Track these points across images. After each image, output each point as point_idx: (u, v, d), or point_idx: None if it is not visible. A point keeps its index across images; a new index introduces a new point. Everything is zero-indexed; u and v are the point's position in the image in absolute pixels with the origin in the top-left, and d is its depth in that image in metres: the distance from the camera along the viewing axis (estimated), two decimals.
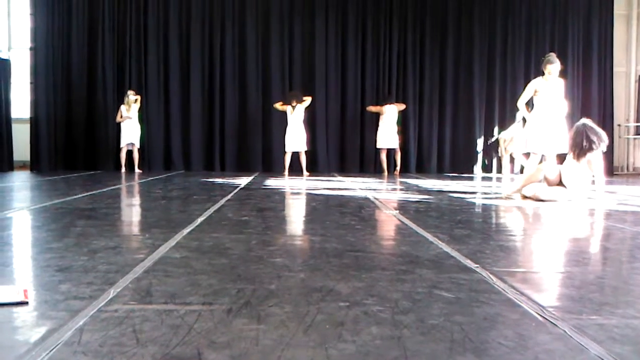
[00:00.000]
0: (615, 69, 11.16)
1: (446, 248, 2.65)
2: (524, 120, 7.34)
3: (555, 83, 6.42)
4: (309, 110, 9.75)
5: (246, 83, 10.46)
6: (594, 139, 5.13)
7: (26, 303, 1.65)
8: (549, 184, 5.23)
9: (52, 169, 9.71)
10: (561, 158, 6.78)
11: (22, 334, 1.42)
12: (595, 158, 5.16)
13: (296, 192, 6.21)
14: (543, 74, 6.48)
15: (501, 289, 1.89)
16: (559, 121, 6.41)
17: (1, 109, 9.30)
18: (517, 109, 6.95)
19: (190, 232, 3.07)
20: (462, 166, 10.74)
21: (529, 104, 6.76)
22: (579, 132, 5.23)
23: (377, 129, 9.98)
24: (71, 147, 10.23)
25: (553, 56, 6.52)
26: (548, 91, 6.40)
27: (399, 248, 2.76)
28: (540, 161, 6.44)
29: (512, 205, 4.81)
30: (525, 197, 5.20)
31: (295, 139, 9.29)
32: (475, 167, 10.81)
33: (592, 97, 11.00)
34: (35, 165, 9.65)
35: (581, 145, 5.14)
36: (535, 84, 6.56)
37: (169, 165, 10.35)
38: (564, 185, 5.18)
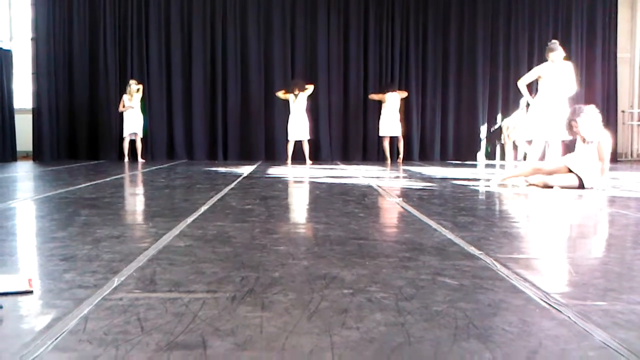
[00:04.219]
0: (619, 55, 11.09)
1: (450, 235, 2.65)
2: (527, 105, 7.34)
3: (560, 69, 6.43)
4: (312, 98, 9.72)
5: (248, 71, 10.42)
6: (588, 115, 5.09)
7: (31, 292, 1.66)
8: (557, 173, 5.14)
9: (55, 159, 9.73)
10: (566, 144, 6.77)
11: (27, 322, 1.43)
12: (605, 139, 5.08)
13: (299, 180, 6.20)
14: (547, 60, 6.51)
15: (505, 276, 1.89)
16: (562, 108, 6.40)
17: (3, 100, 9.31)
18: (518, 90, 6.96)
19: (194, 220, 3.07)
20: (465, 154, 10.72)
21: (532, 88, 6.77)
22: (573, 115, 5.19)
23: (379, 117, 9.95)
24: (74, 137, 10.24)
25: (555, 44, 6.56)
26: (552, 77, 6.40)
27: (403, 235, 2.76)
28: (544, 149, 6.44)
29: (515, 193, 4.80)
30: (529, 185, 5.17)
31: (298, 127, 9.26)
32: (478, 154, 10.79)
33: (596, 83, 10.94)
34: (38, 155, 9.67)
35: (585, 125, 5.08)
36: (539, 70, 6.58)
37: (172, 154, 10.35)
38: (574, 173, 5.08)
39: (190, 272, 1.91)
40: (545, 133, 6.48)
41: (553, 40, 6.92)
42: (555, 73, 6.43)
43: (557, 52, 6.45)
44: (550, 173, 5.13)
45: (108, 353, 1.21)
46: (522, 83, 6.67)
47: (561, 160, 5.30)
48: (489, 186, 5.33)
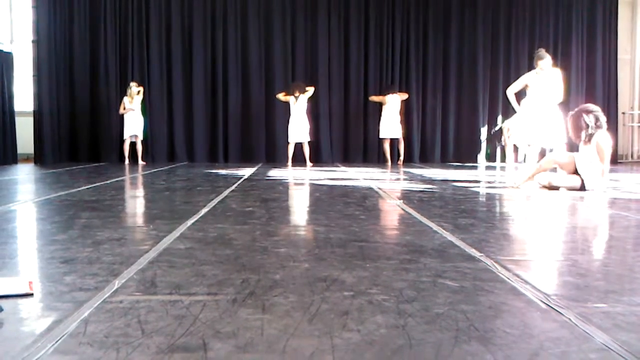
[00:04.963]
0: (619, 57, 11.09)
1: (450, 237, 2.65)
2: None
3: (548, 76, 6.46)
4: (312, 100, 9.73)
5: (249, 73, 10.44)
6: (591, 115, 5.04)
7: (31, 295, 1.66)
8: (569, 172, 5.10)
9: (56, 161, 9.74)
10: (570, 147, 6.76)
11: (27, 325, 1.43)
12: (604, 140, 5.04)
13: (300, 182, 6.20)
14: (535, 68, 6.55)
15: (506, 278, 1.89)
16: (553, 113, 6.43)
17: (4, 102, 9.31)
18: (507, 98, 6.99)
19: (195, 223, 3.07)
20: (465, 155, 10.73)
21: (521, 96, 6.81)
22: (576, 115, 5.14)
23: (380, 119, 9.96)
24: (75, 139, 10.25)
25: (543, 51, 6.61)
26: (540, 85, 6.45)
27: (403, 237, 2.76)
28: (542, 153, 6.44)
29: (518, 194, 4.80)
30: (542, 187, 5.15)
31: (298, 129, 9.27)
32: (478, 156, 10.79)
33: (597, 84, 10.94)
34: (39, 158, 9.67)
35: (586, 125, 5.03)
36: (527, 78, 6.62)
37: (172, 156, 10.36)
38: (579, 174, 5.05)
39: (191, 275, 1.91)
40: (542, 140, 6.51)
41: (540, 48, 6.97)
42: (543, 82, 6.46)
43: (545, 60, 6.48)
44: (565, 165, 5.09)
45: (108, 356, 1.20)
46: (511, 92, 6.71)
47: (573, 155, 5.22)
48: (508, 187, 5.30)
